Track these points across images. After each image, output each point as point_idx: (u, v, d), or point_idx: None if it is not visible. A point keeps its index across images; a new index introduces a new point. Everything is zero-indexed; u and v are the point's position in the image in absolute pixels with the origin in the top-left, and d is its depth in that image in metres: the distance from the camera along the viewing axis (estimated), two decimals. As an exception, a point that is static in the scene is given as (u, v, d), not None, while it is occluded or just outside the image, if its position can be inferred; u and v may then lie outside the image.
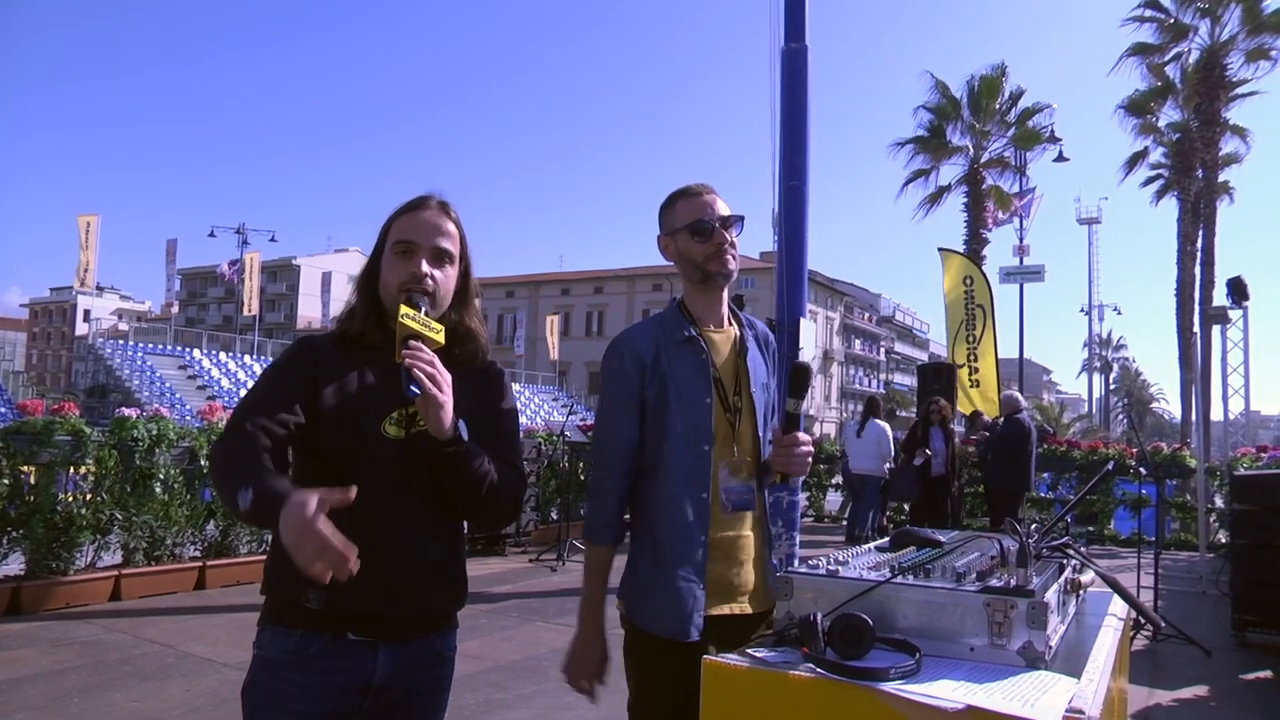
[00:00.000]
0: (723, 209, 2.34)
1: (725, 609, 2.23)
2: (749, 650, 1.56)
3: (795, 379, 2.22)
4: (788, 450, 2.21)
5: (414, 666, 1.93)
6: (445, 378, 1.83)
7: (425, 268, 1.94)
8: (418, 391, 1.78)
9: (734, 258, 2.34)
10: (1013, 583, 1.57)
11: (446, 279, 1.99)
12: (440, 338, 1.89)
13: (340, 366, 1.92)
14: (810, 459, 2.24)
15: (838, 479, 16.33)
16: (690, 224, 2.32)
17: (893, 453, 11.93)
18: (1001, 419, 11.35)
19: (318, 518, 1.52)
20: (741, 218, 2.35)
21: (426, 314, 1.90)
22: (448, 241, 1.99)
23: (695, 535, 2.22)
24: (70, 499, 7.19)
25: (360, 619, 1.85)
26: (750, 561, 2.29)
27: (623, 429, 2.29)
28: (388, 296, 1.96)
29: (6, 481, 6.81)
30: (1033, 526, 1.94)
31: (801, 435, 2.22)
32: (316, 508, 1.52)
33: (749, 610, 2.26)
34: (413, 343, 1.82)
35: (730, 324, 2.41)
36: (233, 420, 1.85)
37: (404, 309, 1.85)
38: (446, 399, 1.82)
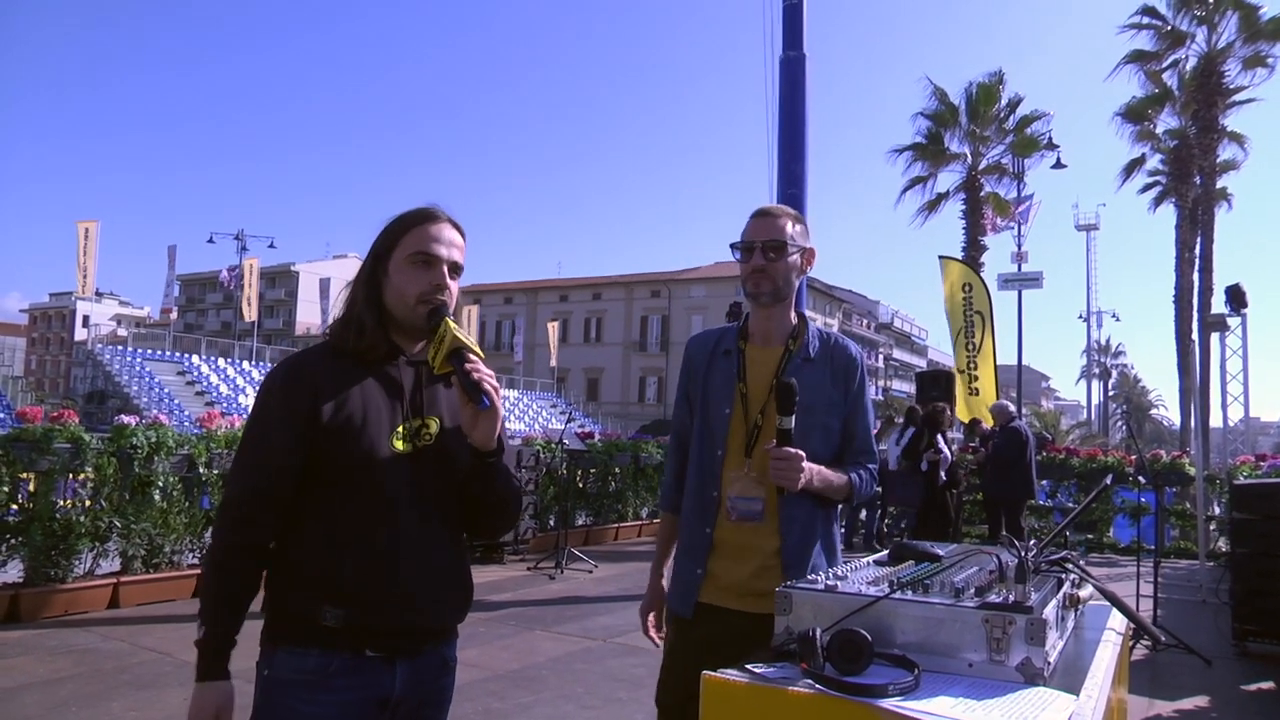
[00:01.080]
0: (770, 231, 2.44)
1: (719, 601, 2.39)
2: (748, 666, 1.57)
3: (780, 397, 2.27)
4: (773, 463, 2.28)
5: (425, 678, 1.94)
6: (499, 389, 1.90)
7: (447, 281, 1.96)
8: (488, 404, 1.84)
9: (768, 280, 2.44)
10: (1011, 598, 1.57)
11: (454, 296, 2.01)
12: (479, 351, 1.91)
13: (341, 382, 1.90)
14: (796, 473, 2.26)
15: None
16: (736, 244, 2.49)
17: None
18: (997, 428, 11.34)
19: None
20: (778, 241, 2.42)
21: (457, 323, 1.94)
22: (460, 257, 2.01)
23: (700, 528, 2.45)
24: (69, 506, 7.19)
25: (378, 634, 1.84)
26: (759, 567, 2.37)
27: (677, 417, 2.66)
28: (400, 305, 1.94)
29: (6, 489, 6.80)
30: (1031, 542, 1.94)
31: (787, 450, 2.26)
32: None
33: (750, 610, 2.32)
34: (471, 356, 1.85)
35: (786, 343, 2.49)
36: (231, 496, 1.89)
37: (450, 323, 1.89)
38: (501, 415, 1.90)
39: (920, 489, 10.68)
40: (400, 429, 1.92)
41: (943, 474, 10.48)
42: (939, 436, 10.66)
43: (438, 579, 1.93)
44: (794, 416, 2.26)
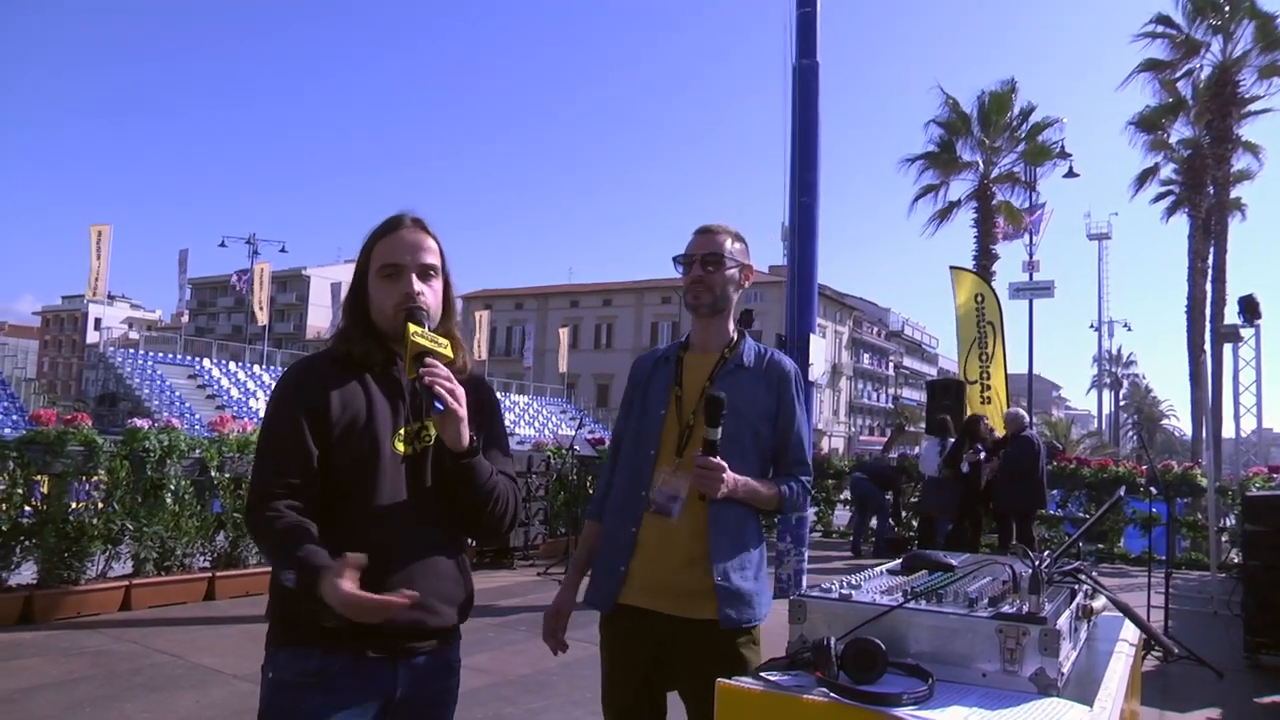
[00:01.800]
0: (709, 246, 2.55)
1: (638, 602, 2.43)
2: (762, 674, 1.58)
3: (708, 409, 2.32)
4: (696, 470, 2.33)
5: (428, 678, 1.96)
6: (460, 391, 1.89)
7: (416, 285, 1.98)
8: (441, 408, 1.83)
9: (707, 291, 2.55)
10: (1025, 609, 1.58)
11: (435, 294, 2.03)
12: (448, 352, 1.93)
13: (344, 387, 1.95)
14: (717, 482, 2.31)
15: (845, 494, 16.33)
16: (679, 258, 2.60)
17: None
18: (1008, 437, 11.31)
19: (351, 589, 1.66)
20: (715, 255, 2.54)
21: (429, 326, 1.95)
22: (430, 256, 2.02)
23: (626, 526, 2.50)
24: (82, 508, 7.22)
25: (379, 636, 1.86)
26: (681, 567, 2.41)
27: (618, 428, 2.75)
28: (383, 319, 1.99)
29: (20, 491, 6.85)
30: (1044, 553, 1.94)
31: (710, 460, 2.31)
32: (347, 581, 1.66)
33: (669, 612, 2.39)
34: (429, 360, 1.86)
35: (723, 351, 2.59)
36: (259, 485, 1.88)
37: (412, 327, 1.88)
38: (464, 412, 1.88)
39: (959, 495, 10.80)
40: (401, 432, 1.96)
41: (984, 478, 10.63)
42: (978, 444, 10.82)
43: (438, 580, 1.95)
44: (720, 429, 2.31)
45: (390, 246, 2.00)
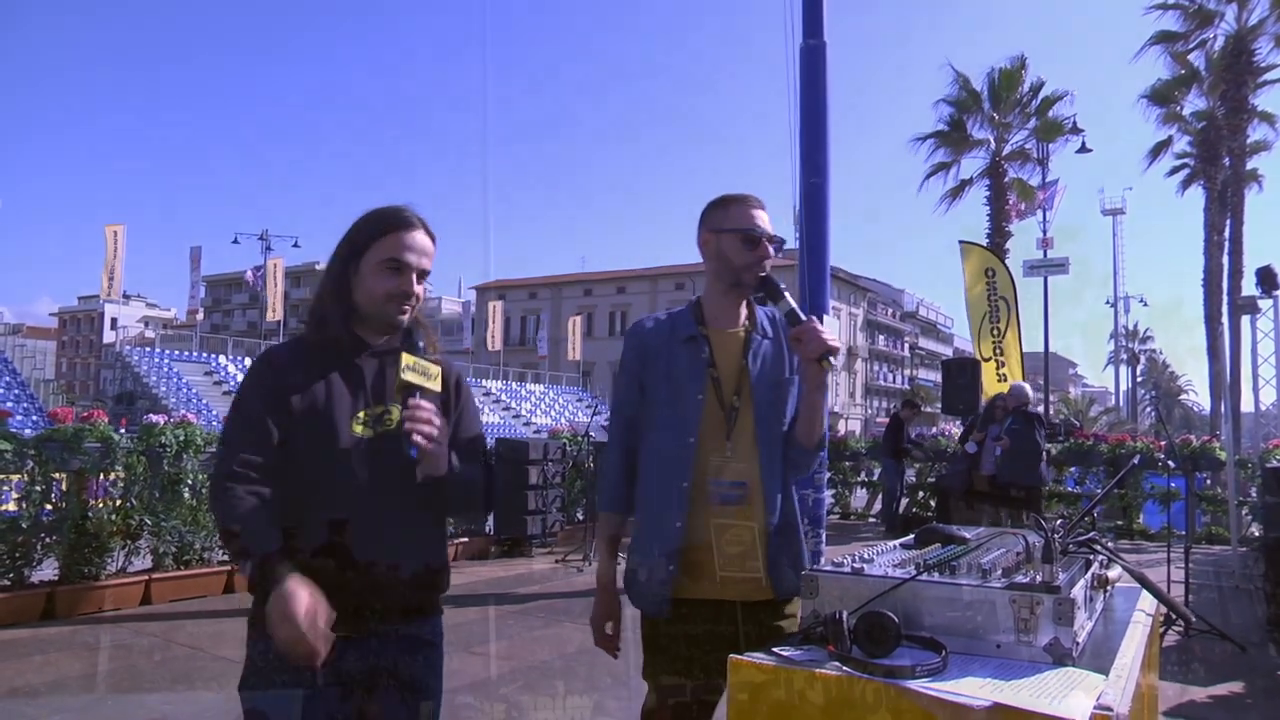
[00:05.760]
0: (770, 226, 2.44)
1: (693, 594, 2.32)
2: (775, 649, 1.57)
3: (769, 286, 2.36)
4: (796, 341, 2.28)
5: (399, 653, 2.02)
6: (441, 426, 1.97)
7: (415, 287, 2.08)
8: (415, 455, 1.92)
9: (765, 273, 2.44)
10: (1039, 579, 1.57)
11: (423, 294, 2.14)
12: (436, 385, 2.01)
13: (306, 371, 2.03)
14: (824, 337, 2.22)
15: (863, 476, 16.31)
16: (744, 230, 2.40)
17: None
18: (1008, 411, 11.03)
19: (301, 612, 1.74)
20: (784, 241, 2.45)
21: (423, 351, 2.06)
22: (429, 262, 2.13)
23: (670, 521, 2.32)
24: (100, 505, 7.28)
25: (341, 615, 1.88)
26: (736, 552, 2.33)
27: (625, 408, 2.50)
28: (371, 303, 2.07)
29: (39, 488, 6.90)
30: (1058, 522, 1.93)
31: (804, 324, 2.25)
32: (305, 606, 1.74)
33: (725, 598, 2.32)
34: (412, 401, 1.94)
35: (746, 323, 2.47)
36: (221, 466, 1.95)
37: (405, 359, 1.97)
38: (443, 450, 1.98)
39: (964, 477, 10.50)
40: (361, 414, 2.02)
41: (985, 467, 10.32)
42: (994, 429, 10.52)
43: (401, 559, 2.00)
44: (788, 299, 2.33)
45: (401, 244, 2.07)
